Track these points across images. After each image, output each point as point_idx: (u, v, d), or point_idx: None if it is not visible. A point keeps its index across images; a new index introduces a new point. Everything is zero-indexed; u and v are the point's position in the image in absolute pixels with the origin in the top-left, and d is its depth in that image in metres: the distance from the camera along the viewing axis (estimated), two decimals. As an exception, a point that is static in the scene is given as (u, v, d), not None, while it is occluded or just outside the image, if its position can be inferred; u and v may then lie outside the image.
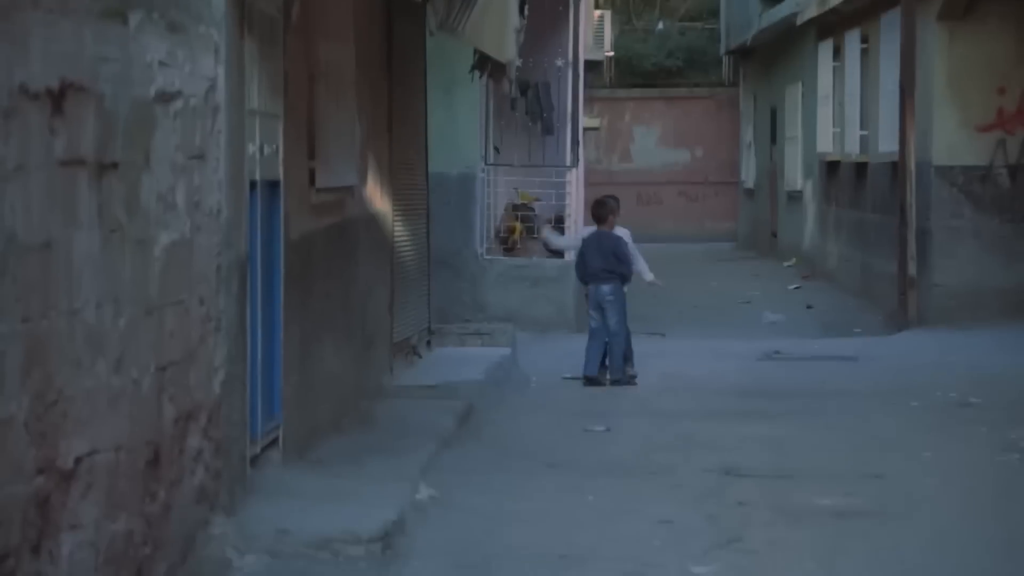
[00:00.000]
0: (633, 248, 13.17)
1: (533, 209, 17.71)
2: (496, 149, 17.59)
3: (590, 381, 12.82)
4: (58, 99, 4.86)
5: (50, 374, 4.83)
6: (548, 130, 18.38)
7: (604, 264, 12.96)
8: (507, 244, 17.32)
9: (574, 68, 18.30)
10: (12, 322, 4.57)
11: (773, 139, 29.79)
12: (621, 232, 13.18)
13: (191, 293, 6.34)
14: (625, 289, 13.07)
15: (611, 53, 35.72)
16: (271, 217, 8.01)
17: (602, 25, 33.45)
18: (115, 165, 5.39)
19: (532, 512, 8.09)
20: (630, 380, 12.91)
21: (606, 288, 12.88)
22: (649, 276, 13.39)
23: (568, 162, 17.94)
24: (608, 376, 12.92)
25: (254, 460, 7.62)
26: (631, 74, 37.51)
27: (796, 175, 26.92)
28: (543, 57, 17.78)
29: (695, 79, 37.48)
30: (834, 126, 23.35)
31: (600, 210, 13.24)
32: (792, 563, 7.15)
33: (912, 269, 17.02)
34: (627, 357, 13.04)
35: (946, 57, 17.06)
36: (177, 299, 6.14)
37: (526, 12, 12.37)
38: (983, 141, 17.03)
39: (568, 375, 13.21)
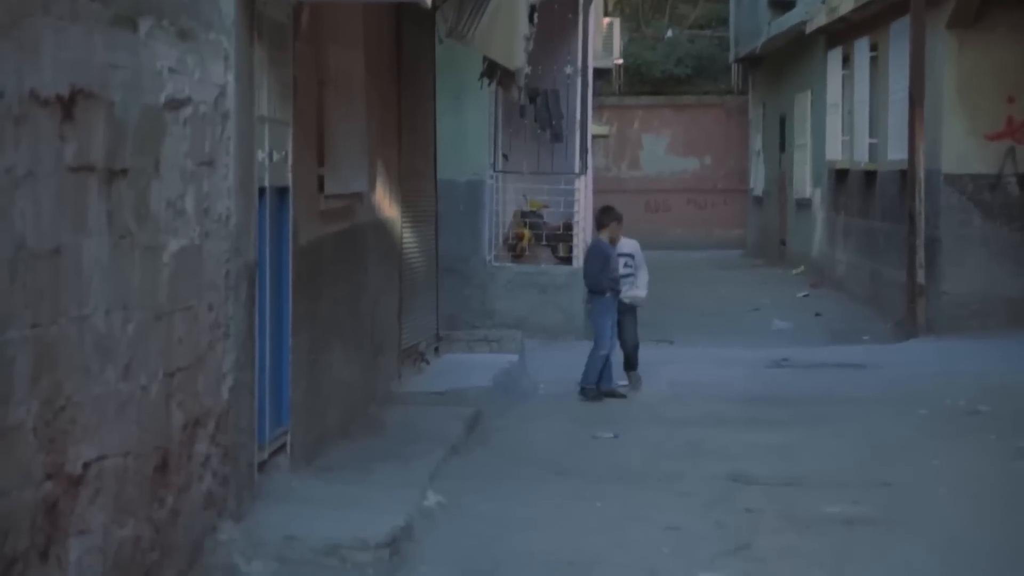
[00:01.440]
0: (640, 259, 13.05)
1: (542, 216, 17.70)
2: (505, 156, 17.58)
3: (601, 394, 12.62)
4: (68, 106, 4.88)
5: (59, 380, 4.85)
6: (557, 137, 18.35)
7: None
8: (516, 251, 17.31)
9: (583, 76, 18.29)
10: (22, 328, 4.59)
11: (782, 147, 29.78)
12: (628, 244, 13.03)
13: (200, 299, 6.35)
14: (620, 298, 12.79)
15: (620, 61, 35.72)
16: (280, 223, 8.02)
17: (611, 33, 33.46)
18: (125, 172, 5.40)
19: (540, 519, 8.10)
20: (589, 394, 12.44)
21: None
22: (633, 291, 12.95)
23: (577, 169, 17.93)
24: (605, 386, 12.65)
25: (262, 466, 7.63)
26: (640, 82, 37.50)
27: (805, 183, 26.92)
28: (552, 64, 17.76)
29: (704, 87, 37.47)
30: (843, 134, 23.33)
31: (601, 216, 13.13)
32: (800, 571, 7.16)
33: (921, 277, 17.00)
34: (631, 365, 12.98)
35: (955, 65, 17.05)
36: (186, 305, 6.16)
37: (535, 20, 12.36)
38: (992, 149, 17.01)
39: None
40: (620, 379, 12.94)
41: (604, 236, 12.88)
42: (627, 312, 12.95)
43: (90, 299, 5.10)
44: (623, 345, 12.94)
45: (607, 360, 12.60)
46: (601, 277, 12.66)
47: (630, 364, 13.04)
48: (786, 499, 8.61)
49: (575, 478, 9.27)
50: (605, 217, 12.99)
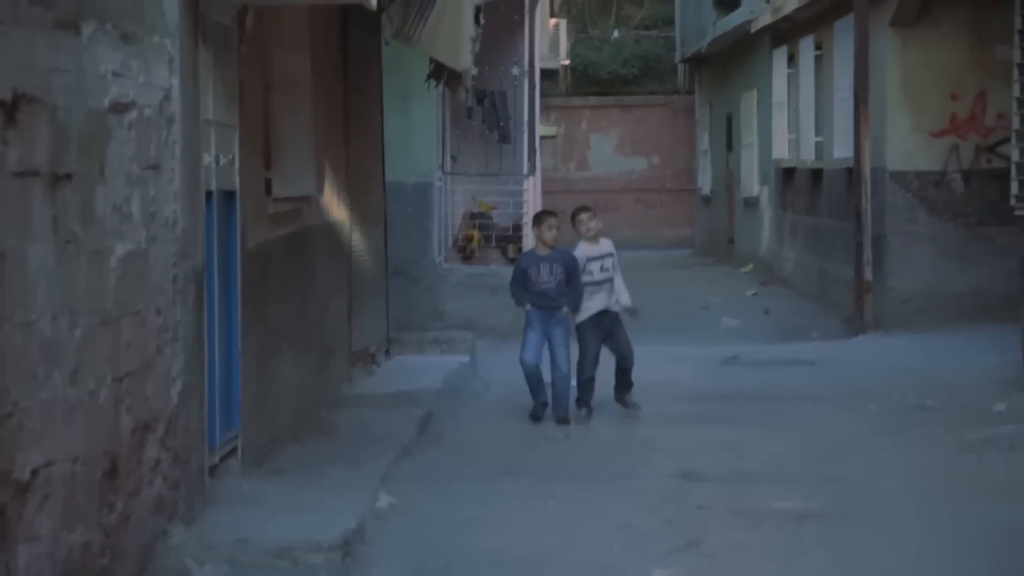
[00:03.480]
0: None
1: (491, 217, 17.72)
2: (453, 158, 17.59)
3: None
4: (11, 110, 4.85)
5: (5, 386, 4.81)
6: (505, 139, 18.39)
7: None
8: (465, 252, 17.32)
9: (530, 77, 18.33)
10: (-33, 333, 4.56)
11: (729, 146, 29.91)
12: (607, 243, 11.61)
13: (147, 303, 6.32)
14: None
15: (567, 62, 35.81)
16: (227, 227, 8.00)
17: (558, 34, 33.54)
18: (69, 176, 5.38)
19: (492, 519, 8.10)
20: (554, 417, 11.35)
21: None
22: (624, 302, 11.72)
23: (525, 170, 17.96)
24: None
25: (212, 470, 7.60)
26: (587, 82, 37.60)
27: (752, 182, 27.04)
28: (499, 66, 17.79)
29: (651, 87, 37.59)
30: (789, 133, 23.46)
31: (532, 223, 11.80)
32: (751, 566, 7.18)
33: (868, 274, 17.11)
34: (624, 384, 11.77)
35: (899, 63, 17.17)
36: (133, 310, 6.13)
37: (481, 21, 12.36)
38: (937, 146, 17.14)
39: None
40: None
41: (537, 244, 11.57)
42: (617, 321, 11.63)
43: (36, 304, 5.07)
44: (618, 361, 11.66)
45: (540, 379, 11.38)
46: (514, 288, 11.43)
47: (623, 383, 11.72)
48: (736, 495, 8.65)
49: (527, 478, 9.29)
50: (533, 223, 11.83)
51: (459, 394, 12.27)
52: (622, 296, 11.60)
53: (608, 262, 11.52)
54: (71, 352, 5.39)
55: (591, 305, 11.46)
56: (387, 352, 13.64)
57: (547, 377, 11.47)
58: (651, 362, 14.65)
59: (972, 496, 8.67)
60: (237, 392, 8.11)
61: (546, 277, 11.30)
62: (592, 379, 11.50)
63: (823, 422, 11.24)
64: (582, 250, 11.49)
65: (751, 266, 26.51)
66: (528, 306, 11.35)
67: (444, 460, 9.81)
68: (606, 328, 11.52)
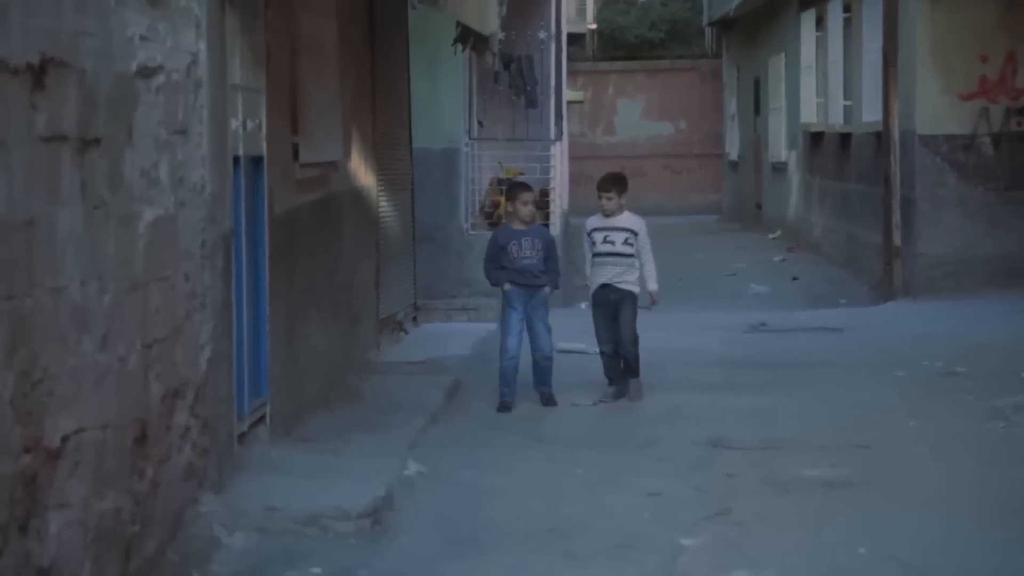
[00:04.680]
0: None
1: (517, 183, 17.66)
2: (480, 123, 17.54)
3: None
4: (39, 74, 4.82)
5: (35, 352, 4.80)
6: (532, 104, 18.33)
7: None
8: (492, 219, 17.27)
9: (557, 41, 18.26)
10: (-4, 300, 4.54)
11: (757, 110, 29.77)
12: (632, 219, 10.98)
13: (176, 269, 6.31)
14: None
15: (594, 25, 35.68)
16: (255, 192, 7.98)
17: (584, -3, 33.41)
18: (97, 141, 5.35)
19: (520, 486, 8.10)
20: (504, 406, 10.56)
21: None
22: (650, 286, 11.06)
23: (552, 136, 17.90)
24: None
25: (241, 437, 7.61)
26: (614, 47, 37.42)
27: (780, 146, 26.93)
28: (526, 30, 17.73)
29: (678, 51, 37.41)
30: (817, 96, 23.33)
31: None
32: (780, 533, 7.16)
33: (897, 239, 17.03)
34: (630, 369, 10.99)
35: (929, 25, 17.03)
36: (162, 275, 6.11)
37: (508, -16, 12.32)
38: (966, 110, 17.01)
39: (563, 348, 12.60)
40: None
41: (512, 219, 10.89)
42: (624, 302, 10.87)
43: (65, 270, 5.06)
44: (619, 344, 10.91)
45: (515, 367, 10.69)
46: (489, 267, 10.83)
47: (628, 368, 10.94)
48: (765, 463, 8.62)
49: (554, 445, 9.27)
50: (507, 196, 11.22)
51: (487, 361, 12.23)
52: (648, 279, 10.99)
53: (618, 236, 10.85)
54: (100, 318, 5.38)
55: (594, 278, 11.03)
56: (414, 319, 13.63)
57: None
58: (678, 329, 14.65)
59: (1000, 462, 8.63)
60: (265, 359, 8.10)
61: (528, 252, 10.67)
62: (609, 355, 10.97)
63: (851, 389, 11.19)
64: (591, 219, 11.10)
65: (779, 232, 26.42)
66: (507, 285, 10.69)
67: (472, 427, 9.80)
68: (612, 305, 10.90)
